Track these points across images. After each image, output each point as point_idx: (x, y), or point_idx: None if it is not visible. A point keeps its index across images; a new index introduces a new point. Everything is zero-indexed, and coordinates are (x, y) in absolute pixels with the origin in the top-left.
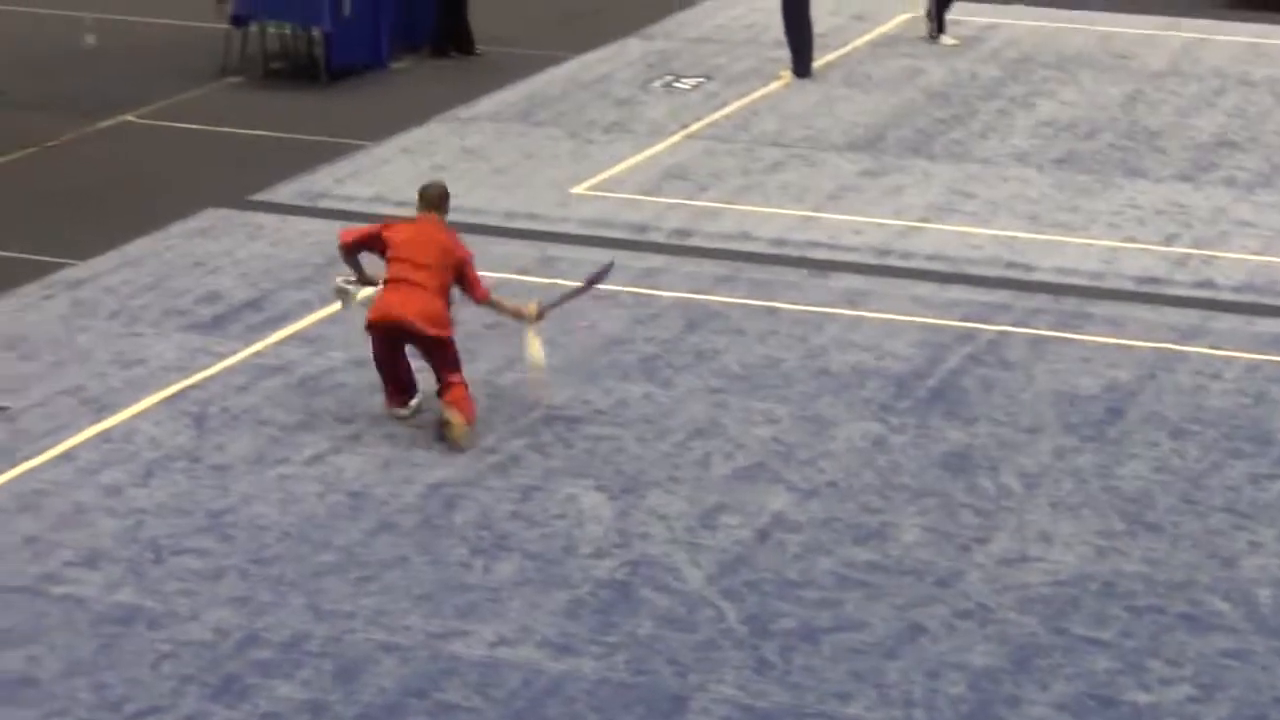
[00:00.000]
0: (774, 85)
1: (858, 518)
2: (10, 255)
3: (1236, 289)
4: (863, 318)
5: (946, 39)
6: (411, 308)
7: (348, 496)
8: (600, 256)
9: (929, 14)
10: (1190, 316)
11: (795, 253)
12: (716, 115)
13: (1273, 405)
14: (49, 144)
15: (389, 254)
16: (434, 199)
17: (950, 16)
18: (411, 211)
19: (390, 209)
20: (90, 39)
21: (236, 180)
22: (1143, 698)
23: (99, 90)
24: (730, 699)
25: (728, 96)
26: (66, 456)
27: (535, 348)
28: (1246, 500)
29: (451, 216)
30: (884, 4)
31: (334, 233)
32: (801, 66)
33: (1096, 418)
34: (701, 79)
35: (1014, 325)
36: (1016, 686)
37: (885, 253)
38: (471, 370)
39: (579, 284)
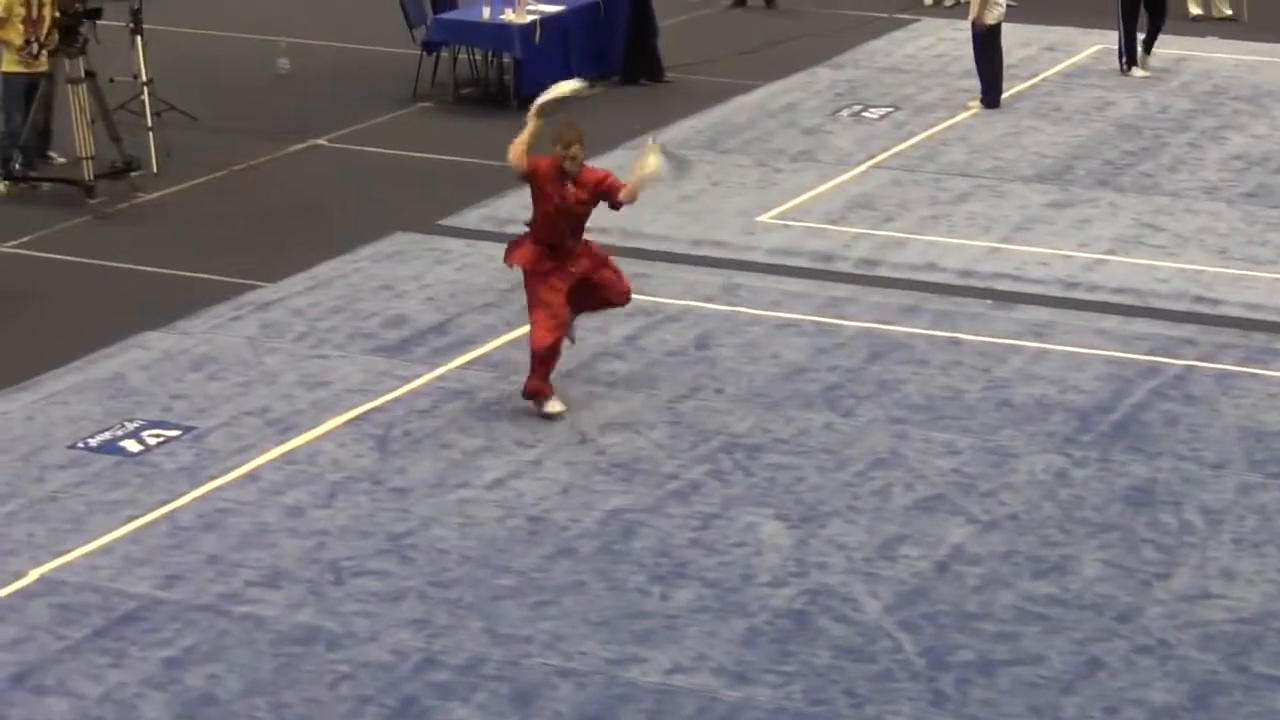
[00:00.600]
0: (962, 115)
1: (1038, 551)
2: (201, 276)
3: None
4: (1047, 350)
5: (1138, 71)
6: None
7: (527, 521)
8: (786, 286)
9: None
10: None
11: (981, 284)
12: (904, 145)
13: None
14: (240, 167)
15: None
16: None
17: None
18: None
19: None
20: (283, 63)
21: (425, 205)
22: None
23: (291, 114)
24: None
25: (915, 126)
26: (251, 477)
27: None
28: None
29: (637, 243)
30: (1075, 35)
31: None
32: (991, 97)
33: None
34: (889, 109)
35: (1200, 360)
36: None
37: (1071, 285)
38: (652, 398)
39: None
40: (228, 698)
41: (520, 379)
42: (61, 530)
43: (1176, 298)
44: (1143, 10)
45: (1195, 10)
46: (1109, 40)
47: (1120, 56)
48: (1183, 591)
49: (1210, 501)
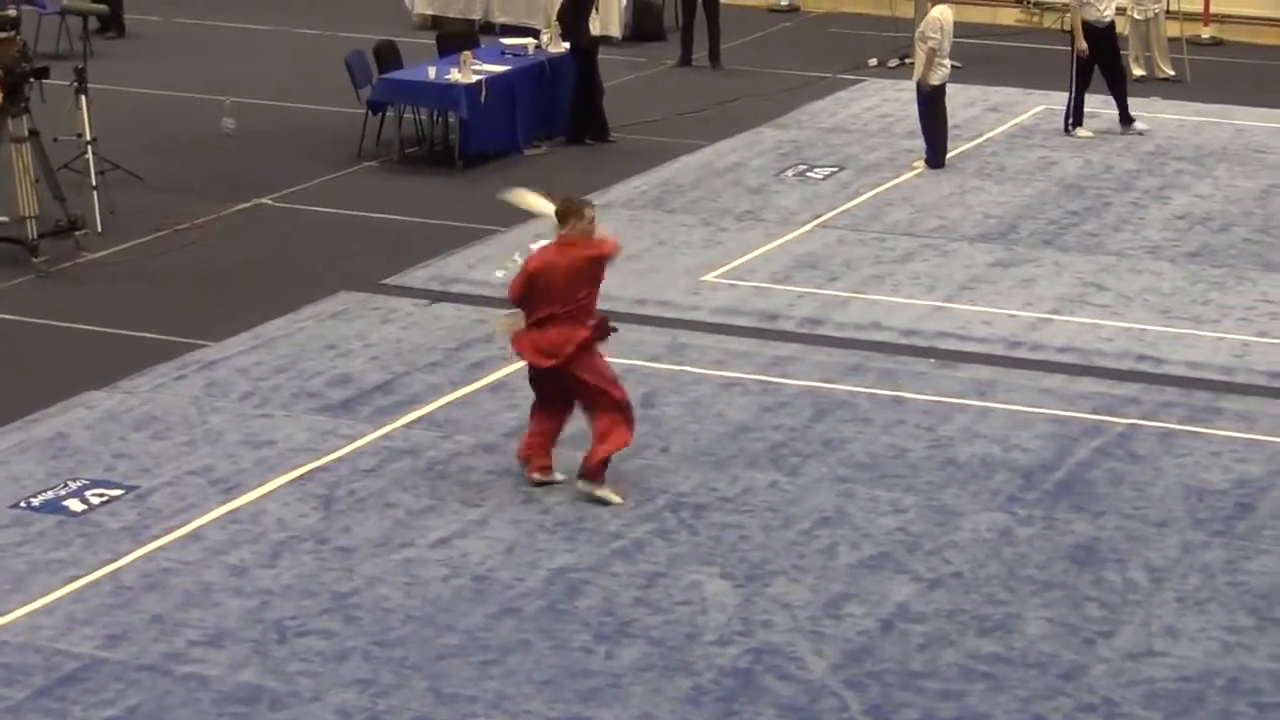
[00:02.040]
0: (907, 175)
1: (982, 609)
2: (145, 335)
3: None
4: (991, 409)
5: (1082, 131)
6: None
7: (472, 580)
8: (731, 345)
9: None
10: None
11: (925, 343)
12: (849, 204)
13: None
14: (184, 226)
15: None
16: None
17: (1089, 110)
18: None
19: None
20: (228, 123)
21: (370, 264)
22: None
23: (235, 173)
24: None
25: (860, 186)
26: (194, 536)
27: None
28: None
29: None
30: (1019, 95)
31: (466, 318)
32: (935, 157)
33: (1226, 513)
34: (834, 168)
35: (1144, 418)
36: None
37: (1015, 344)
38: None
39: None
40: None
41: (463, 438)
42: (3, 590)
43: (1120, 356)
44: (1099, 75)
45: (1138, 71)
46: (1052, 100)
47: (1067, 117)
48: (1127, 649)
49: (1154, 559)
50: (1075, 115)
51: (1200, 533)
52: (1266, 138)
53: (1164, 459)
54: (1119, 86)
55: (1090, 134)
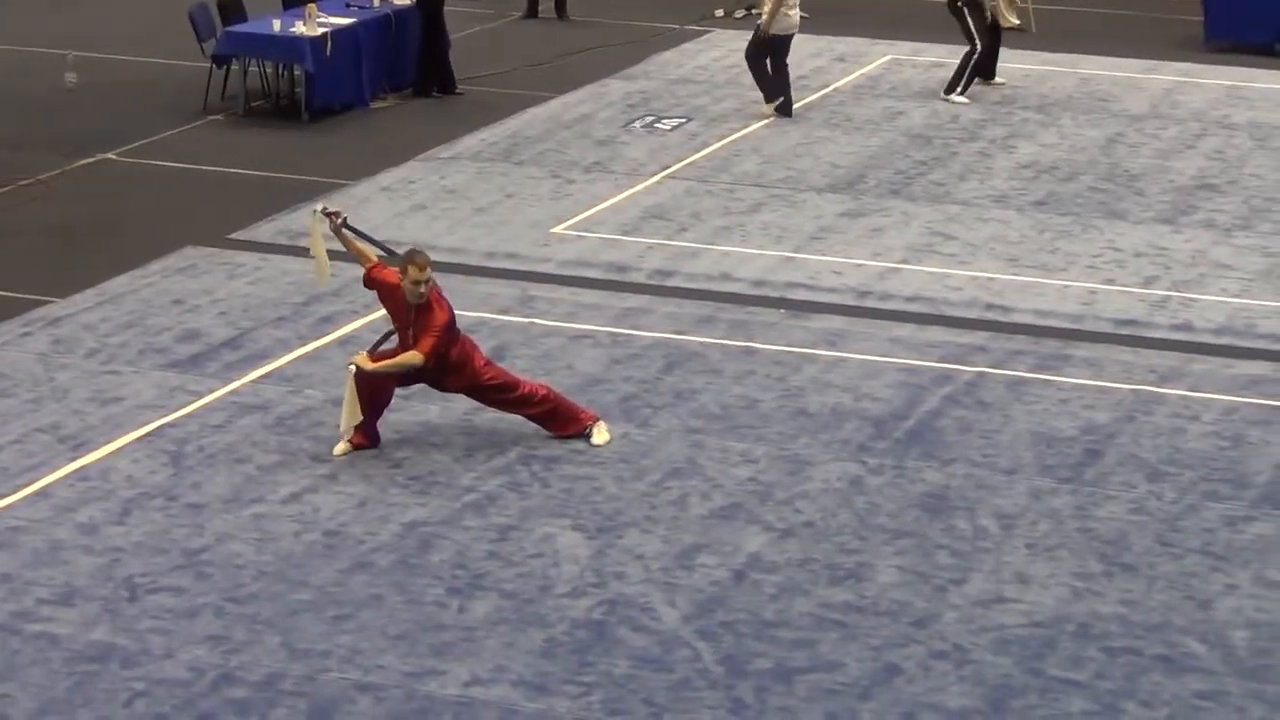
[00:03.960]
0: (755, 126)
1: (834, 558)
2: None
3: (1215, 331)
4: (841, 359)
5: (957, 97)
6: None
7: (324, 535)
8: (581, 297)
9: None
10: (1169, 359)
11: (775, 293)
12: (697, 156)
13: (1250, 448)
14: (27, 182)
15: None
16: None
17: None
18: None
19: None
20: (71, 77)
21: (216, 219)
22: None
23: (79, 129)
24: None
25: (708, 137)
26: (43, 494)
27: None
28: (1223, 542)
29: (431, 255)
30: (865, 45)
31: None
32: (772, 99)
33: (1074, 459)
34: (682, 120)
35: (992, 367)
36: None
37: (864, 294)
38: (448, 410)
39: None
40: (20, 717)
41: (313, 393)
42: None
43: (968, 305)
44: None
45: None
46: (898, 51)
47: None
48: (977, 596)
49: (1003, 506)
50: (963, 81)
51: (1049, 479)
52: (1111, 86)
53: (1013, 406)
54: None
55: (966, 101)
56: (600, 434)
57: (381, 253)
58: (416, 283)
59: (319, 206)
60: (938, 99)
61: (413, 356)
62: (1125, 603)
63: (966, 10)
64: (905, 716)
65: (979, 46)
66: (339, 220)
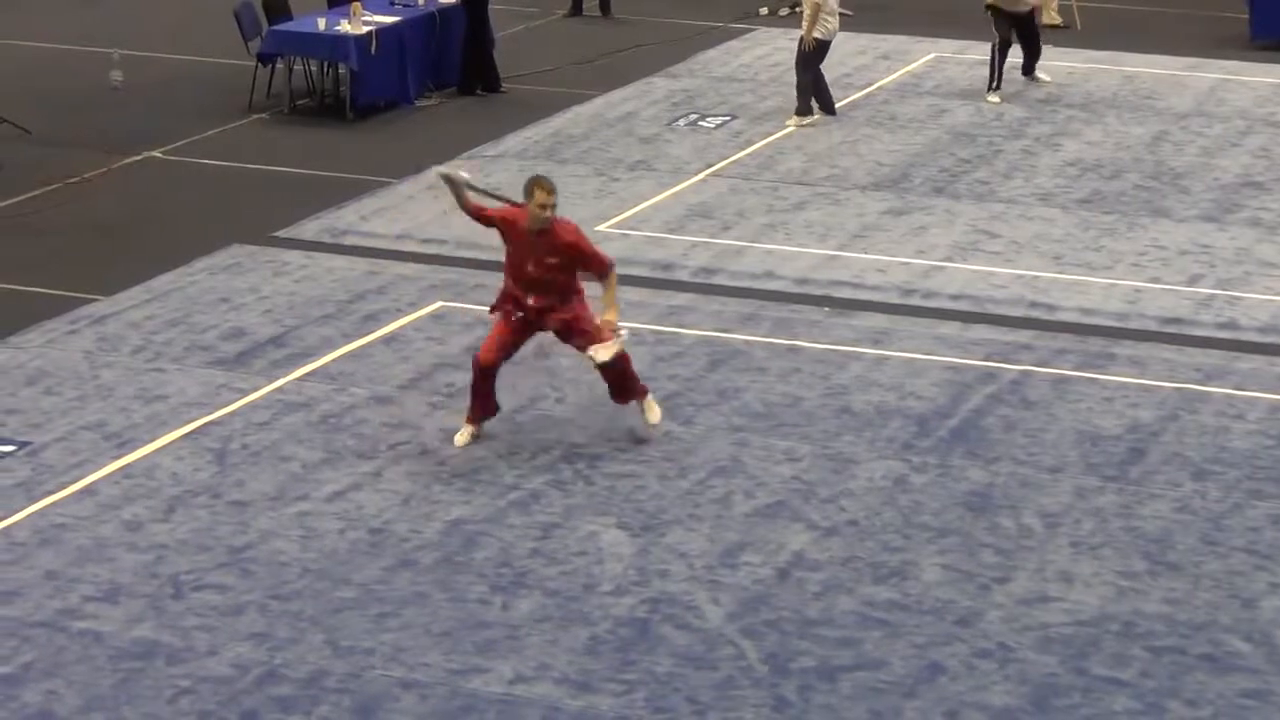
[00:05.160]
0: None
1: (878, 556)
2: (36, 290)
3: (1260, 330)
4: (885, 357)
5: (992, 97)
6: None
7: (368, 533)
8: (626, 295)
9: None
10: (1214, 357)
11: (819, 291)
12: (741, 154)
13: None
14: (74, 180)
15: None
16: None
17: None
18: (429, 249)
19: (415, 246)
20: (117, 75)
21: (262, 217)
22: None
23: (125, 126)
24: None
25: (752, 135)
26: (88, 491)
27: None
28: (1267, 541)
29: (475, 254)
30: (909, 43)
31: (359, 270)
32: (803, 104)
33: (1119, 458)
34: (726, 117)
35: (1037, 365)
36: None
37: (909, 292)
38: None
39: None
40: (66, 714)
41: (357, 391)
42: None
43: (1013, 303)
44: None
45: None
46: (941, 49)
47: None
48: (1021, 595)
49: (1048, 505)
50: (996, 77)
51: (1093, 478)
52: (1155, 84)
53: (1057, 405)
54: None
55: (998, 100)
56: (652, 410)
57: (500, 201)
58: (543, 206)
59: (441, 170)
60: (981, 98)
61: (607, 273)
62: (1170, 601)
63: (988, 9)
64: (949, 715)
65: (997, 38)
66: (460, 182)
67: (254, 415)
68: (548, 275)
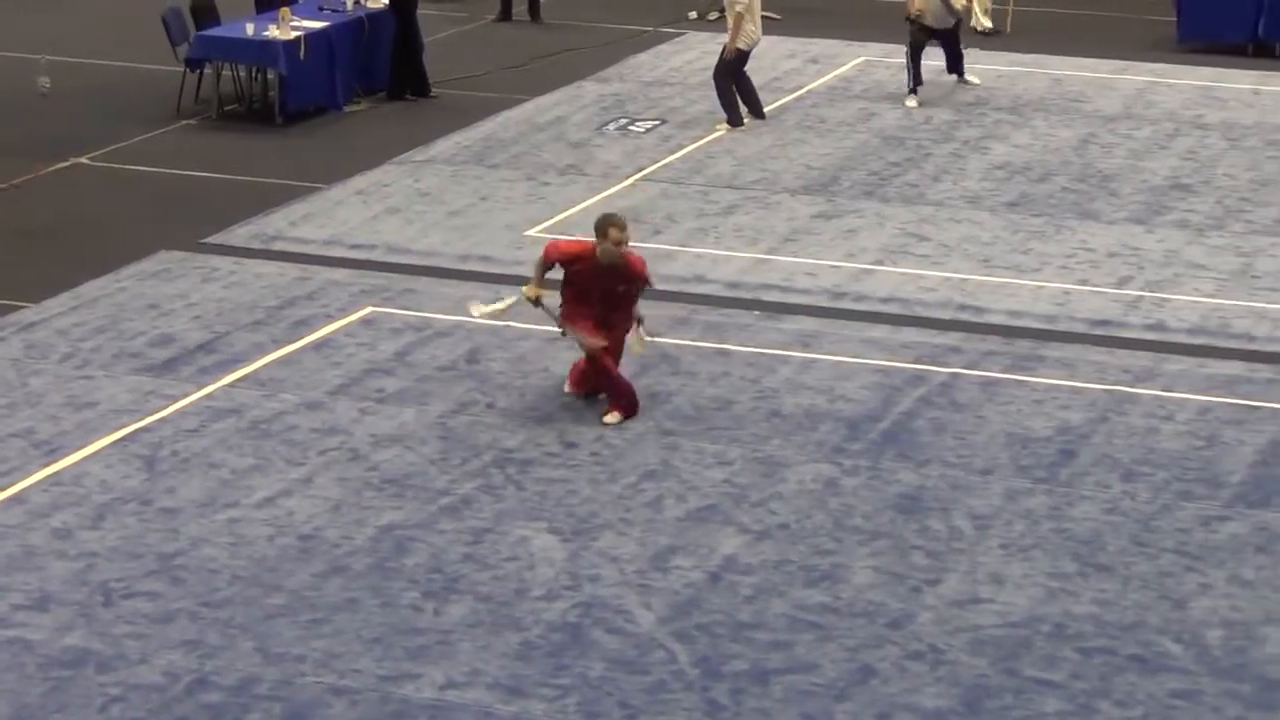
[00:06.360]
0: (713, 135)
1: (809, 560)
2: None
3: (1189, 331)
4: (815, 360)
5: (909, 101)
6: None
7: (298, 539)
8: (556, 300)
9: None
10: (1142, 359)
11: (749, 295)
12: (671, 158)
13: (1224, 448)
14: (1, 186)
15: None
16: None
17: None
18: (358, 254)
19: (344, 251)
20: (44, 81)
21: (190, 223)
22: None
23: (52, 132)
24: None
25: (682, 139)
26: (16, 499)
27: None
28: (1197, 542)
29: (405, 259)
30: (839, 47)
31: (288, 276)
32: (733, 116)
33: (1048, 460)
34: (656, 122)
35: (966, 367)
36: None
37: (839, 295)
38: (424, 413)
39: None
40: None
41: (287, 397)
42: None
43: (942, 306)
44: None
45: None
46: (870, 52)
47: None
48: (952, 597)
49: (978, 507)
50: (913, 79)
51: (1023, 480)
52: (1084, 87)
53: (987, 407)
54: (951, 51)
55: (914, 105)
56: (612, 413)
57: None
58: (618, 242)
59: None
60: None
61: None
62: (1100, 603)
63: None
64: (881, 717)
65: (909, 42)
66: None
67: (184, 422)
68: (615, 303)
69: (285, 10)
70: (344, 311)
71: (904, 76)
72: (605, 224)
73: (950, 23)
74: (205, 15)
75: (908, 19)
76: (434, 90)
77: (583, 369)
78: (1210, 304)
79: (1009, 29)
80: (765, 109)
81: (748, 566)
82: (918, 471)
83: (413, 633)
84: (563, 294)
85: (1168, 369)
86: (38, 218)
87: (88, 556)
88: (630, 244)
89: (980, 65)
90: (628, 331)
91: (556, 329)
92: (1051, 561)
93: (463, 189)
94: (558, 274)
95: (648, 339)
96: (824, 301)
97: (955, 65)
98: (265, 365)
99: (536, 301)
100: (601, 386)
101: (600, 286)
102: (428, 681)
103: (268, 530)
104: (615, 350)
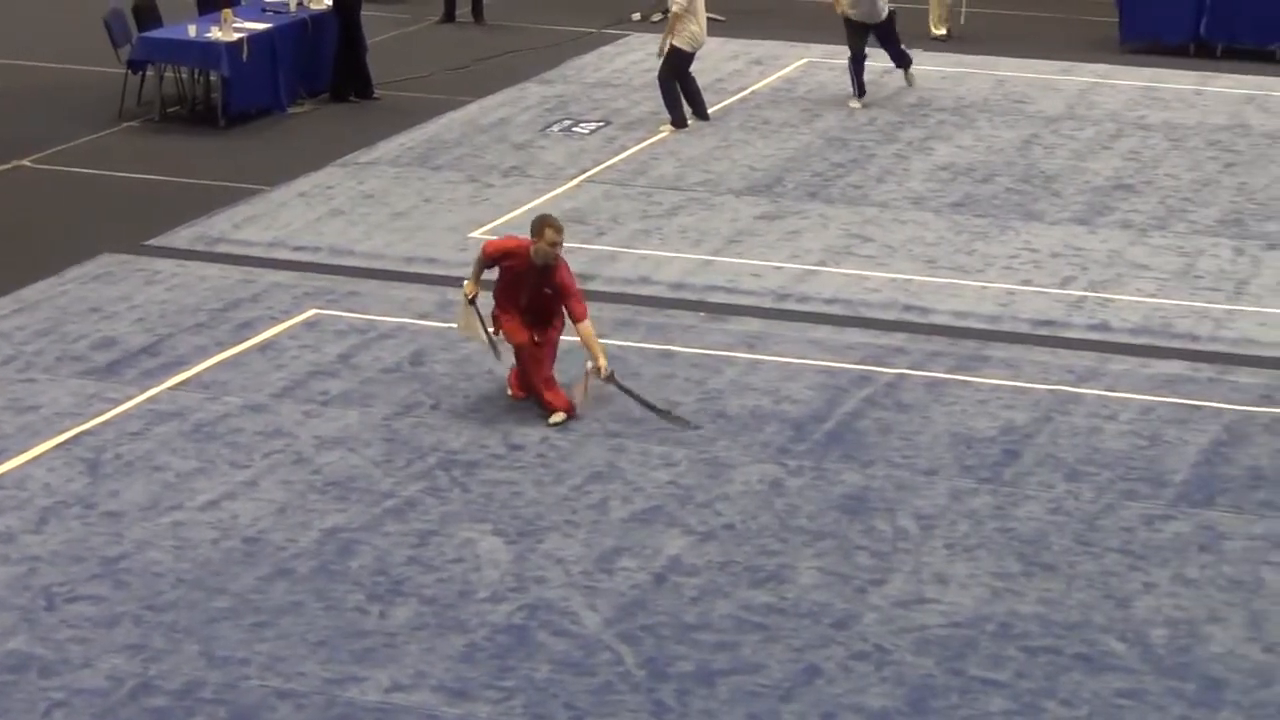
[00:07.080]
0: (658, 136)
1: (755, 560)
2: None
3: (1132, 331)
4: (760, 361)
5: (854, 103)
6: None
7: (242, 542)
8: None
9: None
10: (1086, 359)
11: (693, 296)
12: (615, 159)
13: (1167, 447)
14: None
15: None
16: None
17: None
18: (302, 257)
19: (288, 253)
20: None
21: (133, 225)
22: None
23: None
24: None
25: (626, 141)
26: None
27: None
28: (1141, 541)
29: (348, 261)
30: (782, 48)
31: (231, 278)
32: (677, 117)
33: (993, 460)
34: (600, 123)
35: (911, 368)
36: None
37: (783, 296)
38: (368, 415)
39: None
40: None
41: (231, 399)
42: None
43: (886, 307)
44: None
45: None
46: (812, 54)
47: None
48: (897, 597)
49: (923, 507)
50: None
51: (968, 480)
52: (1027, 88)
53: (932, 407)
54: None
55: (858, 106)
56: (556, 413)
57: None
58: (554, 244)
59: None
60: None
61: (586, 328)
62: (1045, 602)
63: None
64: (826, 717)
65: (850, 51)
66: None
67: (127, 425)
68: (543, 304)
69: (228, 12)
70: (288, 314)
71: (847, 79)
72: (543, 224)
73: (881, 16)
74: (147, 17)
75: (843, 18)
76: (377, 92)
77: (518, 372)
78: (1153, 304)
79: (958, 31)
80: (709, 110)
81: (693, 567)
82: (863, 472)
83: (358, 635)
84: (494, 291)
85: (1111, 369)
86: None
87: (30, 560)
88: (566, 246)
89: (924, 67)
90: (558, 334)
91: (487, 340)
92: (996, 561)
93: (406, 191)
94: (493, 275)
95: (590, 389)
96: (769, 303)
97: (899, 60)
98: (209, 368)
99: (473, 300)
100: (534, 393)
101: (529, 285)
102: (373, 684)
103: (212, 533)
104: (549, 353)
